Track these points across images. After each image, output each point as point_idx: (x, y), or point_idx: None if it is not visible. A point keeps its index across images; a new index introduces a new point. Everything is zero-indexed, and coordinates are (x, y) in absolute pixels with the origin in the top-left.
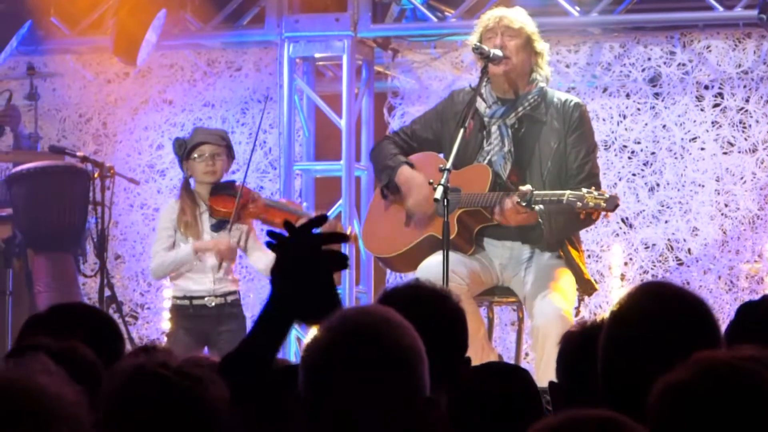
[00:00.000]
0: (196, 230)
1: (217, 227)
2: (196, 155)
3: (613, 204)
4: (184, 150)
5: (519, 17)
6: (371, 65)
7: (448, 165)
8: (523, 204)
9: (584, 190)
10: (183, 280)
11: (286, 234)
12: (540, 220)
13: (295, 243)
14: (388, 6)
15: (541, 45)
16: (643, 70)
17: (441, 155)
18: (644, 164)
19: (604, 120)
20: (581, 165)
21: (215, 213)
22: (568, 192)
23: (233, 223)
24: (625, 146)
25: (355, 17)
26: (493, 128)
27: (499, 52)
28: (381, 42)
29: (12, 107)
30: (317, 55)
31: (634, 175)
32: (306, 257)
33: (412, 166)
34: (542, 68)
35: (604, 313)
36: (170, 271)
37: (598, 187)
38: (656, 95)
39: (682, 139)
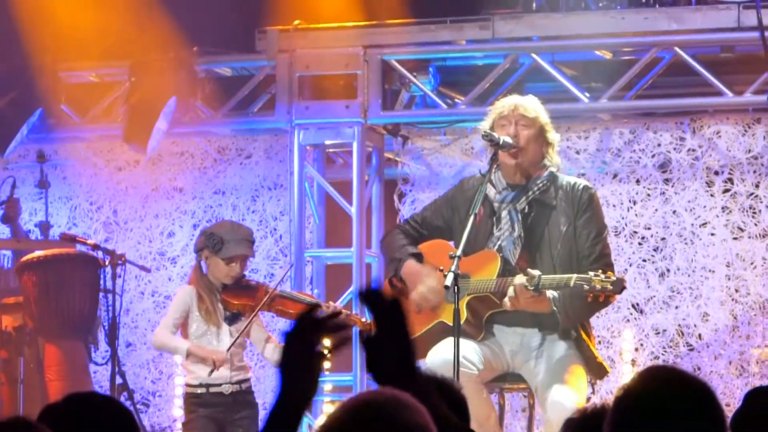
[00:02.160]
0: (216, 319)
1: (232, 320)
2: (228, 261)
3: (619, 286)
4: (213, 247)
5: (533, 106)
6: (381, 152)
7: (458, 252)
8: (531, 288)
9: (591, 273)
10: (199, 368)
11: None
12: (555, 308)
13: (295, 336)
14: (398, 93)
15: (553, 135)
16: (653, 155)
17: (452, 242)
18: (654, 250)
19: (614, 206)
20: (592, 246)
21: (230, 306)
22: (574, 275)
23: (251, 322)
24: (635, 232)
25: (366, 104)
26: (503, 213)
27: (509, 139)
28: (391, 128)
29: (14, 198)
30: (327, 142)
31: (644, 260)
32: (306, 350)
33: (420, 257)
34: (553, 157)
35: (605, 399)
36: (166, 351)
37: (610, 267)
38: (666, 181)
39: (693, 224)
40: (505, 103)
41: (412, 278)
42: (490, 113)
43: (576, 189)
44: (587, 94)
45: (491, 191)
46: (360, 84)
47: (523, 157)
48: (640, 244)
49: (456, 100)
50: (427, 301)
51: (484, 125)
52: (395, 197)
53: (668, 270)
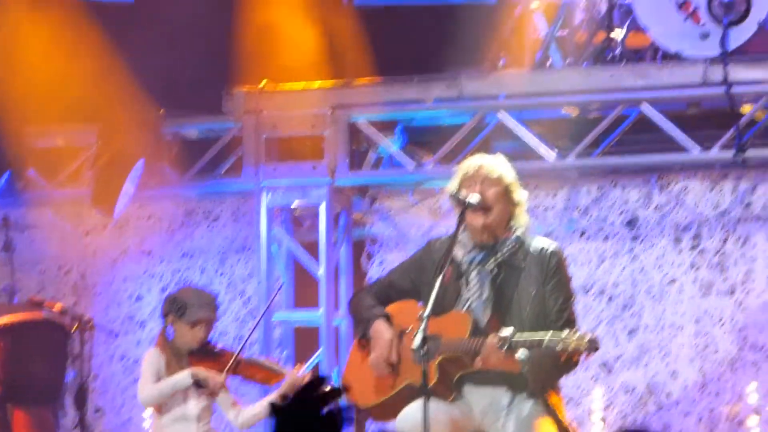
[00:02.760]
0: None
1: (198, 385)
2: (192, 324)
3: (593, 346)
4: (177, 312)
5: (498, 166)
6: (349, 212)
7: (427, 313)
8: (503, 348)
9: (565, 332)
10: (168, 431)
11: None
12: (523, 369)
13: (296, 409)
14: (366, 153)
15: (519, 194)
16: (621, 213)
17: (420, 303)
18: (623, 308)
19: (582, 264)
20: (560, 311)
21: None
22: (548, 334)
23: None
24: (603, 290)
25: (333, 164)
26: (472, 274)
27: (476, 200)
28: (359, 189)
29: None
30: (295, 204)
31: (613, 318)
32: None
33: (389, 318)
34: (520, 217)
35: None
36: (165, 397)
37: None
38: (634, 238)
39: (661, 281)
40: (470, 164)
41: (379, 340)
42: (456, 174)
43: (544, 253)
44: (554, 152)
45: (459, 252)
46: (327, 144)
47: (490, 218)
48: (608, 301)
49: (423, 160)
50: (380, 368)
51: (451, 186)
52: (363, 258)
53: (637, 327)
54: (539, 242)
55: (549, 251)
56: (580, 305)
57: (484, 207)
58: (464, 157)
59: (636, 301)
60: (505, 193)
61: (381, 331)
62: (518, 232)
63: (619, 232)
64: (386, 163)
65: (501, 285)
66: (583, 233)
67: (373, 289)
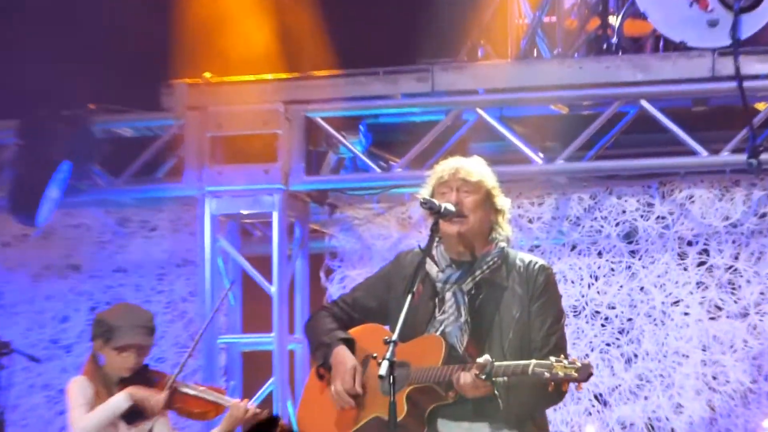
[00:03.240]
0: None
1: (130, 418)
2: (119, 350)
3: (585, 374)
4: (104, 335)
5: (477, 169)
6: (306, 223)
7: (394, 336)
8: (483, 377)
9: (552, 358)
10: None
11: None
12: (496, 392)
13: None
14: (324, 155)
15: (502, 201)
16: (617, 224)
17: (387, 327)
18: (620, 332)
19: (573, 282)
20: (546, 336)
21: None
22: (533, 362)
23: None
24: (597, 312)
25: (287, 168)
26: (447, 295)
27: (451, 207)
28: (316, 196)
29: None
30: (244, 212)
31: (608, 345)
32: None
33: (352, 343)
34: (503, 227)
35: None
36: (103, 425)
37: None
38: (632, 253)
39: (663, 302)
40: (444, 167)
41: (340, 367)
42: (429, 178)
43: (531, 269)
44: (541, 155)
45: (432, 268)
46: (281, 145)
47: (467, 227)
48: (603, 325)
49: (391, 163)
50: (341, 400)
51: (423, 192)
52: (322, 274)
53: (635, 355)
54: (524, 257)
55: (536, 267)
56: (570, 329)
57: (460, 216)
58: (438, 160)
59: (635, 324)
60: (485, 200)
61: (343, 357)
62: (500, 246)
63: (615, 246)
64: (348, 167)
65: (480, 306)
66: (574, 247)
67: (334, 309)
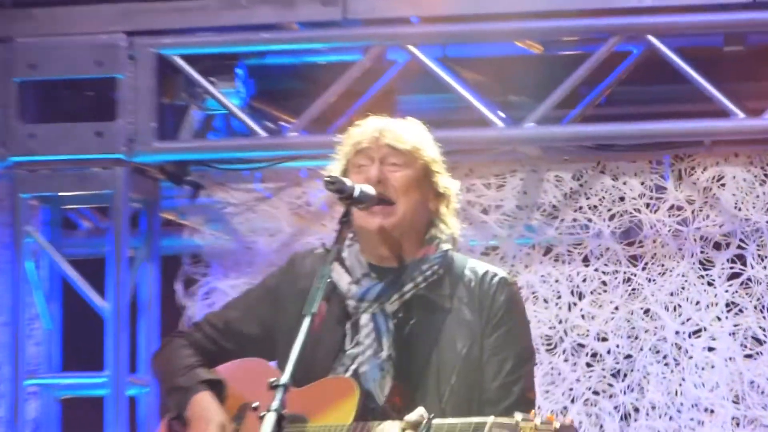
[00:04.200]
0: None
1: None
2: None
3: None
4: None
5: (411, 133)
6: (156, 210)
7: (285, 378)
8: None
9: (519, 415)
10: None
11: None
12: None
13: None
14: (185, 110)
15: (446, 182)
16: (612, 217)
17: (274, 363)
18: (614, 375)
19: (546, 302)
20: (507, 384)
21: None
22: (490, 419)
23: None
24: (581, 345)
25: (130, 130)
26: (363, 318)
27: (371, 189)
28: (173, 171)
29: None
30: (65, 194)
31: (596, 393)
32: None
33: (220, 386)
34: (446, 221)
35: None
36: None
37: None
38: (633, 259)
39: (678, 332)
40: (364, 130)
41: (201, 424)
42: (339, 146)
43: (486, 284)
44: (502, 114)
45: (342, 279)
46: (122, 96)
47: (394, 220)
48: (590, 365)
49: (282, 124)
50: None
51: (331, 167)
52: (178, 285)
53: (636, 409)
54: (477, 267)
55: (493, 282)
56: (542, 370)
57: (384, 202)
58: (351, 121)
59: (636, 364)
60: (421, 180)
61: (205, 409)
62: (442, 248)
63: (608, 249)
64: (220, 129)
65: (411, 336)
66: (548, 251)
67: (196, 335)
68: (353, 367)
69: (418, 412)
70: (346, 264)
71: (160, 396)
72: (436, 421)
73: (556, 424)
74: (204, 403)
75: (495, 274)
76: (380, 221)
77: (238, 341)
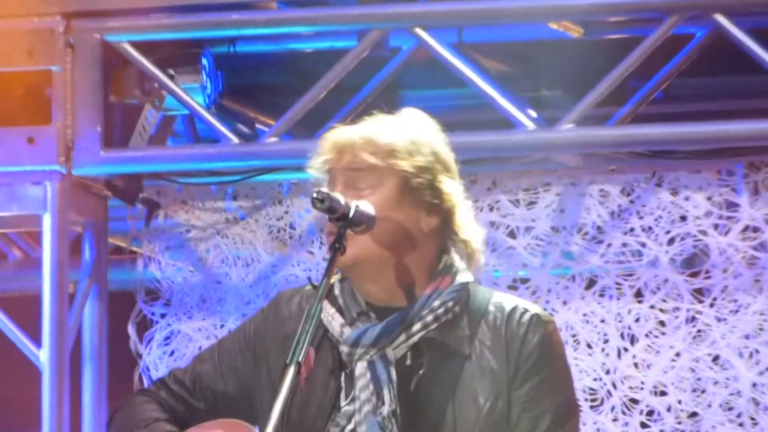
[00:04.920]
0: None
1: None
2: None
3: None
4: None
5: (386, 136)
6: (102, 236)
7: None
8: None
9: None
10: None
11: None
12: None
13: None
14: (138, 112)
15: (453, 193)
16: (671, 241)
17: (256, 428)
18: None
19: (590, 347)
20: None
21: None
22: None
23: None
24: (634, 401)
25: (69, 136)
26: (359, 367)
27: (370, 209)
28: (123, 187)
29: None
30: None
31: None
32: None
33: None
34: (467, 245)
35: None
36: None
37: None
38: (699, 294)
39: (756, 384)
40: (326, 145)
41: None
42: (313, 159)
43: (514, 323)
44: (533, 114)
45: (335, 321)
46: (57, 93)
47: (364, 250)
48: (645, 426)
49: (259, 126)
50: None
51: (315, 176)
52: (131, 330)
53: None
54: (504, 302)
55: (524, 320)
56: (583, 431)
57: (354, 221)
58: (344, 123)
59: (703, 424)
60: (404, 193)
61: None
62: (459, 281)
63: (667, 280)
64: (183, 134)
65: (421, 388)
66: (591, 283)
67: (160, 394)
68: (350, 427)
69: None
70: (338, 302)
71: None
72: None
73: None
74: None
75: (526, 310)
76: (350, 254)
77: (211, 400)
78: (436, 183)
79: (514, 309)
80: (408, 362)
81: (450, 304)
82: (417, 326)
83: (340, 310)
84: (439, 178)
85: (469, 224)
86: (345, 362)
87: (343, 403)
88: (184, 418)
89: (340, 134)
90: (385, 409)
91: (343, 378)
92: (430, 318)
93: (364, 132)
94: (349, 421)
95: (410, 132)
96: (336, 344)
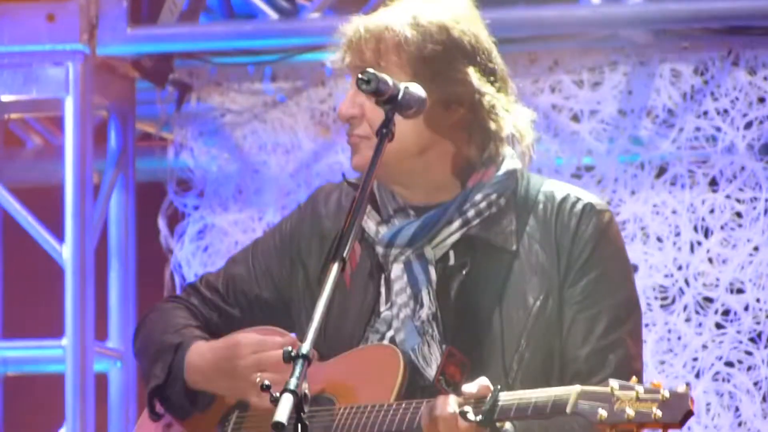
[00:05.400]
0: None
1: None
2: None
3: (678, 411)
4: None
5: (401, 20)
6: (128, 120)
7: (305, 348)
8: (478, 420)
9: (615, 383)
10: None
11: None
12: None
13: None
14: None
15: (473, 80)
16: (749, 125)
17: (293, 335)
18: (753, 340)
19: (660, 240)
20: (599, 350)
21: None
22: (575, 390)
23: None
24: (708, 300)
25: (92, 12)
26: (395, 269)
27: (420, 91)
28: (151, 68)
29: None
30: (6, 99)
31: (729, 365)
32: None
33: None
34: (498, 130)
35: None
36: None
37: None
38: None
39: None
40: (343, 33)
41: (207, 376)
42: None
43: (566, 212)
44: None
45: (370, 220)
46: None
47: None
48: (721, 326)
49: (299, 1)
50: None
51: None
52: (161, 223)
53: None
54: (555, 189)
55: (576, 209)
56: (655, 333)
57: (403, 103)
58: None
59: None
60: (435, 76)
61: (213, 354)
62: (507, 169)
63: (744, 167)
64: (216, 8)
65: (464, 289)
66: (662, 171)
67: (191, 300)
68: (390, 334)
69: (480, 382)
70: (376, 199)
71: (143, 371)
72: (504, 395)
73: (665, 393)
74: (204, 347)
75: (578, 199)
76: (358, 159)
77: (246, 306)
78: (451, 72)
79: (565, 198)
80: (451, 262)
81: (493, 196)
82: (457, 223)
83: (376, 207)
84: (454, 66)
85: (502, 110)
86: (382, 265)
87: (382, 308)
88: (217, 326)
89: (349, 29)
90: (424, 312)
91: (382, 281)
92: (471, 213)
93: (372, 24)
94: (388, 328)
95: (423, 18)
96: (373, 244)
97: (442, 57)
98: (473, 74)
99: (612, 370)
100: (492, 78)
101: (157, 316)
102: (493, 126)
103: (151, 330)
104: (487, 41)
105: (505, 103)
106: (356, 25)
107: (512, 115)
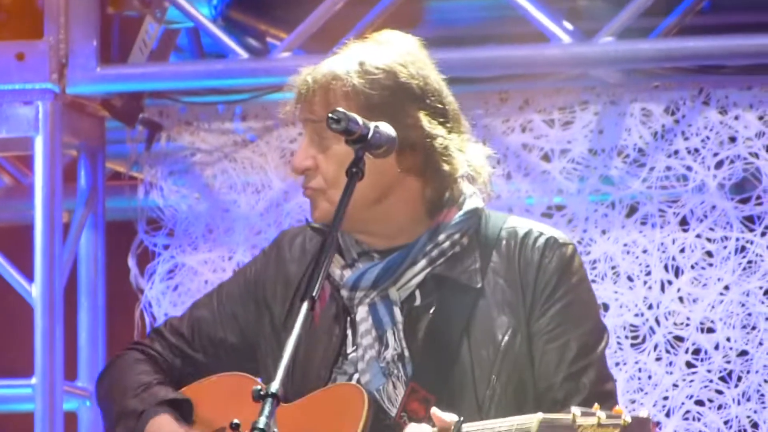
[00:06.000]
0: None
1: None
2: None
3: None
4: None
5: (348, 67)
6: (98, 159)
7: (275, 386)
8: None
9: (577, 410)
10: None
11: None
12: None
13: None
14: (139, 23)
15: (423, 124)
16: (719, 164)
17: (259, 380)
18: (723, 379)
19: (630, 279)
20: (573, 375)
21: None
22: (537, 418)
23: None
24: (679, 338)
25: (63, 51)
26: (360, 312)
27: (390, 130)
28: (121, 107)
29: None
30: None
31: (700, 404)
32: None
33: (185, 407)
34: (451, 172)
35: None
36: None
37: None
38: (748, 221)
39: None
40: (294, 82)
41: None
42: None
43: (529, 247)
44: (568, 25)
45: (335, 264)
46: (50, 4)
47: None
48: (691, 365)
49: (270, 40)
50: None
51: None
52: (131, 262)
53: (755, 424)
54: (518, 226)
55: (539, 243)
56: (626, 372)
57: (372, 142)
58: (362, 37)
59: (753, 363)
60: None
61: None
62: (469, 207)
63: (715, 207)
64: (187, 48)
65: (432, 329)
66: (633, 210)
67: (154, 346)
68: (356, 375)
69: (448, 418)
70: (339, 241)
71: (106, 421)
72: (467, 426)
73: (627, 418)
74: (165, 427)
75: (541, 233)
76: (318, 213)
77: (211, 350)
78: (401, 117)
79: (527, 233)
80: (417, 302)
81: (457, 236)
82: (421, 263)
83: (340, 251)
84: (404, 111)
85: (455, 150)
86: (348, 308)
87: (349, 350)
88: (180, 372)
89: (298, 81)
90: (389, 353)
91: (348, 323)
92: (435, 253)
93: (320, 75)
94: (355, 369)
95: (369, 64)
96: (338, 288)
97: (390, 103)
98: (423, 118)
99: (587, 392)
100: (443, 119)
101: (119, 371)
102: (447, 167)
103: (114, 385)
104: (436, 81)
105: (458, 143)
106: (304, 76)
107: (466, 154)
